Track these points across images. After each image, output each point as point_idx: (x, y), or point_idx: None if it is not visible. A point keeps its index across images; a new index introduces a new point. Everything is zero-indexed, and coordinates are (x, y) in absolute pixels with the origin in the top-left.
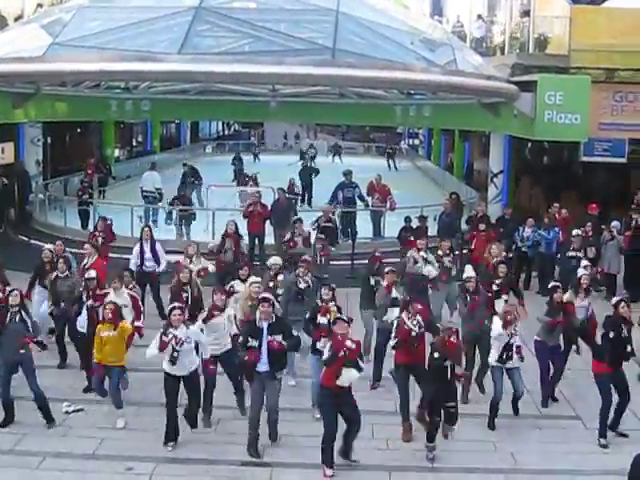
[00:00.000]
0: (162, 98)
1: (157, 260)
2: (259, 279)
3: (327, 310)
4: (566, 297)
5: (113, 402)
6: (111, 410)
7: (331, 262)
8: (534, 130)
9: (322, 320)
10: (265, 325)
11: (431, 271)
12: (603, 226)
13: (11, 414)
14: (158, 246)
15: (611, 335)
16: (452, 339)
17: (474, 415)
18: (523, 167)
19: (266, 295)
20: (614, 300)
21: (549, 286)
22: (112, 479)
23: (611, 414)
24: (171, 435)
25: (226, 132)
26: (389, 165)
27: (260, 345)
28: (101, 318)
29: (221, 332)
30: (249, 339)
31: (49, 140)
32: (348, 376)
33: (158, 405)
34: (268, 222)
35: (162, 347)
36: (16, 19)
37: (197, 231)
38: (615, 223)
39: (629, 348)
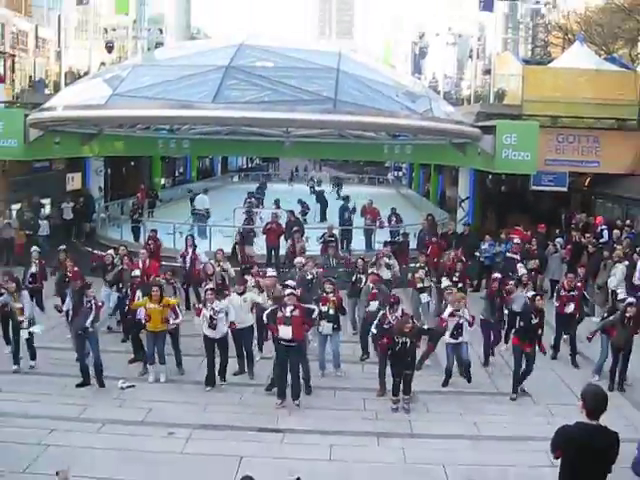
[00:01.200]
0: (199, 138)
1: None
2: (274, 273)
3: (327, 300)
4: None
5: (159, 361)
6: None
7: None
8: (494, 165)
9: (323, 308)
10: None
11: (386, 273)
12: (549, 242)
13: (87, 378)
14: (198, 251)
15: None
16: (407, 325)
17: (445, 392)
18: (485, 194)
19: (292, 291)
20: (532, 294)
21: (492, 277)
22: (157, 441)
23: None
24: (210, 381)
25: (249, 165)
26: (338, 194)
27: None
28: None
29: (240, 310)
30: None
31: (109, 171)
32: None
33: (194, 382)
34: (282, 237)
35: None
36: (84, 74)
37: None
38: (559, 239)
39: (540, 331)
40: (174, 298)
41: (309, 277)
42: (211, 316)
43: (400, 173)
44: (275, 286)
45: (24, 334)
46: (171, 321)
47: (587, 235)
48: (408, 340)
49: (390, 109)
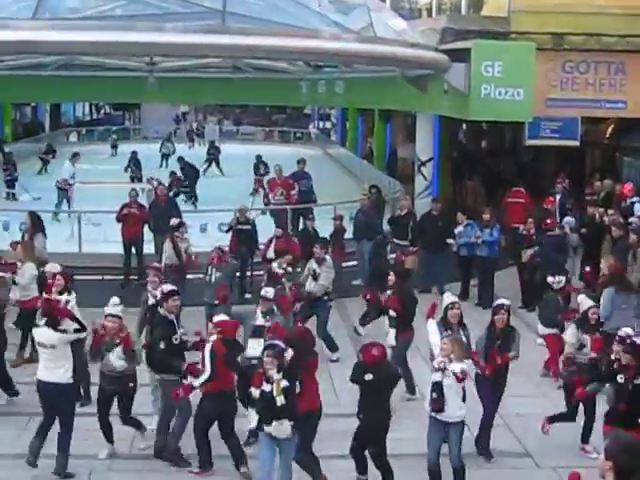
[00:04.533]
0: (13, 75)
1: None
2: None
3: (267, 378)
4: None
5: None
6: None
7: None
8: (469, 109)
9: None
10: None
11: (315, 289)
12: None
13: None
14: None
15: None
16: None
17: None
18: (457, 154)
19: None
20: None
21: (493, 304)
22: None
23: None
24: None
25: (94, 116)
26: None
27: None
28: None
29: None
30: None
31: None
32: None
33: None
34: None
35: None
36: None
37: (58, 241)
38: (568, 219)
39: None
40: None
41: (281, 272)
42: None
43: (327, 124)
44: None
45: None
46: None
47: (610, 212)
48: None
49: (309, 26)
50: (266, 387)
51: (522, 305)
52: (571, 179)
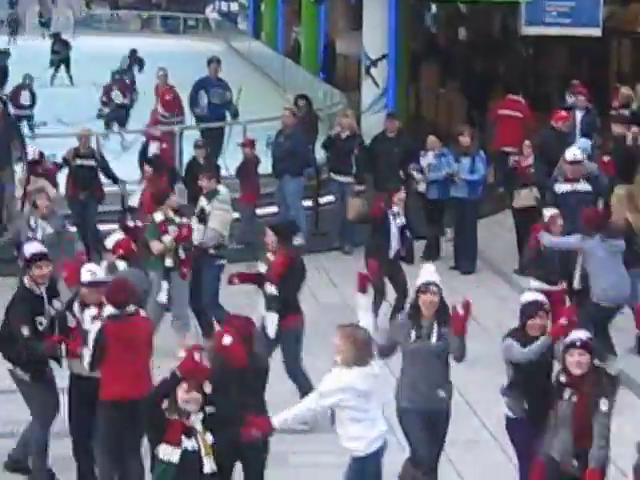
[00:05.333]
0: None
1: None
2: None
3: None
4: None
5: None
6: None
7: None
8: None
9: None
10: None
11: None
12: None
13: None
14: None
15: None
16: None
17: None
18: (424, 48)
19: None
20: None
21: (523, 300)
22: None
23: None
24: None
25: None
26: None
27: None
28: None
29: None
30: None
31: None
32: None
33: None
34: None
35: None
36: None
37: None
38: (583, 141)
39: None
40: None
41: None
42: None
43: (233, 6)
44: None
45: None
46: None
47: None
48: None
49: None
50: (187, 443)
51: (519, 269)
52: (589, 84)
